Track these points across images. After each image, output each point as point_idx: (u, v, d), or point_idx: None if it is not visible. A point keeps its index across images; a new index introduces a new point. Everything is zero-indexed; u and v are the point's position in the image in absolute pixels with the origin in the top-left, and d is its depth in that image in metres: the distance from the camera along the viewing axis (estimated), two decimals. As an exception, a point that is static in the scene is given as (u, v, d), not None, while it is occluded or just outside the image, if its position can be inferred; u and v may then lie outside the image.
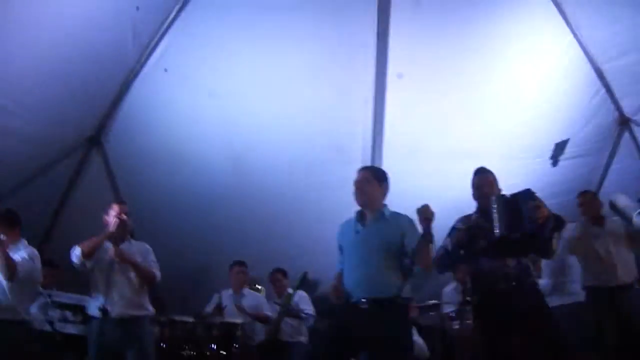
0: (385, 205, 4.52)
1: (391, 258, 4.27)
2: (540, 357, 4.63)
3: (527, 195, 4.66)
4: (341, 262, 4.54)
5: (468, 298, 6.07)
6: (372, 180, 4.54)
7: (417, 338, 6.36)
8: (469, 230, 4.89)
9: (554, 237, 4.72)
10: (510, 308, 4.60)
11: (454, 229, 5.04)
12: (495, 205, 4.72)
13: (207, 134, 7.66)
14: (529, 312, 4.62)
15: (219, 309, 7.07)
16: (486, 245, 4.76)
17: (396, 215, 4.46)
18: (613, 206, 6.31)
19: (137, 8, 6.48)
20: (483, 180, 5.07)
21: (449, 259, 5.02)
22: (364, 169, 4.71)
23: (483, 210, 4.91)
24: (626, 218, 6.17)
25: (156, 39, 6.95)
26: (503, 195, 4.84)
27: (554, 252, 4.96)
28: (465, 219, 5.04)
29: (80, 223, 7.44)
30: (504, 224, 4.62)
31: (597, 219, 6.47)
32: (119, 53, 6.86)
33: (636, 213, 5.95)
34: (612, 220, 6.43)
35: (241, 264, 7.66)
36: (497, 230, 4.65)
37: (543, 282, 6.24)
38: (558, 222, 4.74)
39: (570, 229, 6.18)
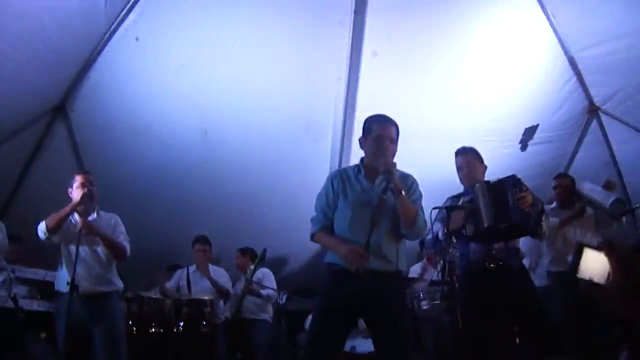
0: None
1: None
2: (524, 336, 4.68)
3: (512, 182, 4.66)
4: (322, 220, 4.16)
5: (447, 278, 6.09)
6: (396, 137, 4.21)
7: None
8: (466, 213, 4.79)
9: (542, 220, 4.77)
10: (497, 287, 4.66)
11: (442, 210, 4.98)
12: (480, 194, 4.70)
13: (177, 107, 7.47)
14: (514, 292, 4.67)
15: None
16: (474, 233, 4.73)
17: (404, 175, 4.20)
18: (579, 193, 6.41)
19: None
20: (461, 161, 5.10)
21: (441, 244, 5.00)
22: (393, 125, 4.22)
23: (469, 194, 4.88)
24: (595, 205, 6.26)
25: (128, 6, 6.66)
26: (488, 182, 4.82)
27: (544, 234, 5.02)
28: (454, 199, 5.03)
29: (42, 195, 7.26)
30: (491, 215, 4.60)
31: (568, 204, 6.52)
32: (90, 19, 6.58)
33: (611, 201, 6.05)
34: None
35: (202, 241, 7.54)
36: (485, 222, 4.62)
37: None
38: (541, 206, 4.80)
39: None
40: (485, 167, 5.12)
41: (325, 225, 4.15)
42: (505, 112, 7.78)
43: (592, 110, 7.97)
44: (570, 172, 8.26)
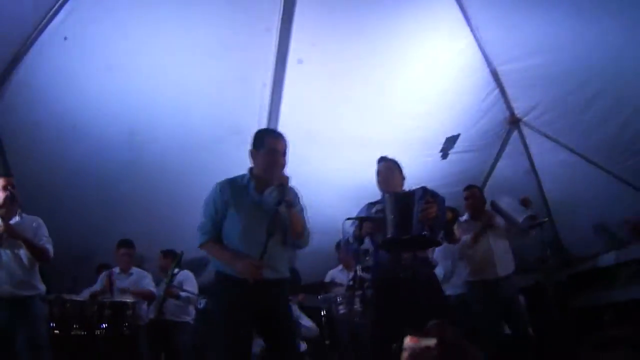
0: None
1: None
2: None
3: (420, 194, 4.82)
4: (211, 230, 4.27)
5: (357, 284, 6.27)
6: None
7: (306, 321, 6.48)
8: (373, 222, 4.98)
9: (454, 228, 4.96)
10: (405, 296, 4.81)
11: (358, 217, 5.16)
12: (388, 204, 4.86)
13: (103, 109, 7.41)
14: (424, 301, 4.81)
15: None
16: (382, 242, 4.90)
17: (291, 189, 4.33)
18: (495, 206, 6.66)
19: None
20: (380, 167, 5.33)
21: (351, 250, 5.17)
22: (284, 138, 4.40)
23: (382, 203, 5.03)
24: (508, 219, 6.52)
25: (57, 5, 6.57)
26: (396, 193, 4.98)
27: (456, 239, 5.21)
28: (369, 206, 5.19)
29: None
30: (394, 226, 4.77)
31: (480, 215, 6.76)
32: (17, 16, 6.52)
33: (523, 217, 6.31)
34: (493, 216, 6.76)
35: (127, 245, 7.57)
36: (388, 233, 4.80)
37: (437, 270, 6.40)
38: (453, 216, 4.99)
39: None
40: (404, 179, 5.30)
41: (214, 235, 4.25)
42: (427, 121, 7.98)
43: (513, 122, 8.23)
44: (491, 181, 8.63)
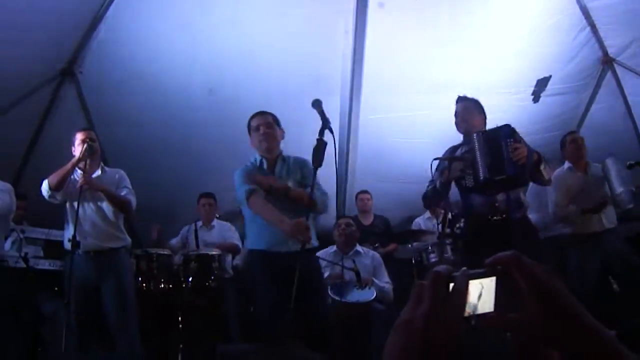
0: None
1: None
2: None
3: (506, 132, 4.58)
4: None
5: (448, 230, 6.02)
6: (275, 124, 4.74)
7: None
8: (463, 162, 4.77)
9: (541, 168, 4.69)
10: (500, 240, 4.53)
11: (442, 161, 4.97)
12: (477, 145, 4.63)
13: (183, 65, 7.40)
14: (519, 244, 4.57)
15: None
16: (472, 185, 4.70)
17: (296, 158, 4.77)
18: (604, 168, 6.15)
19: None
20: (458, 107, 5.05)
21: (439, 195, 4.98)
22: (265, 114, 4.77)
23: (468, 144, 4.79)
24: (611, 186, 6.03)
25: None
26: (484, 132, 4.74)
27: (548, 180, 4.95)
28: (453, 150, 4.98)
29: (55, 157, 7.26)
30: (487, 167, 4.56)
31: (581, 164, 6.31)
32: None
33: (624, 190, 5.83)
34: (595, 166, 6.29)
35: (208, 195, 7.54)
36: (481, 175, 4.59)
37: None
38: (539, 157, 4.71)
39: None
40: (485, 118, 5.03)
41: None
42: (517, 63, 7.63)
43: (607, 62, 7.79)
44: (585, 125, 8.23)
